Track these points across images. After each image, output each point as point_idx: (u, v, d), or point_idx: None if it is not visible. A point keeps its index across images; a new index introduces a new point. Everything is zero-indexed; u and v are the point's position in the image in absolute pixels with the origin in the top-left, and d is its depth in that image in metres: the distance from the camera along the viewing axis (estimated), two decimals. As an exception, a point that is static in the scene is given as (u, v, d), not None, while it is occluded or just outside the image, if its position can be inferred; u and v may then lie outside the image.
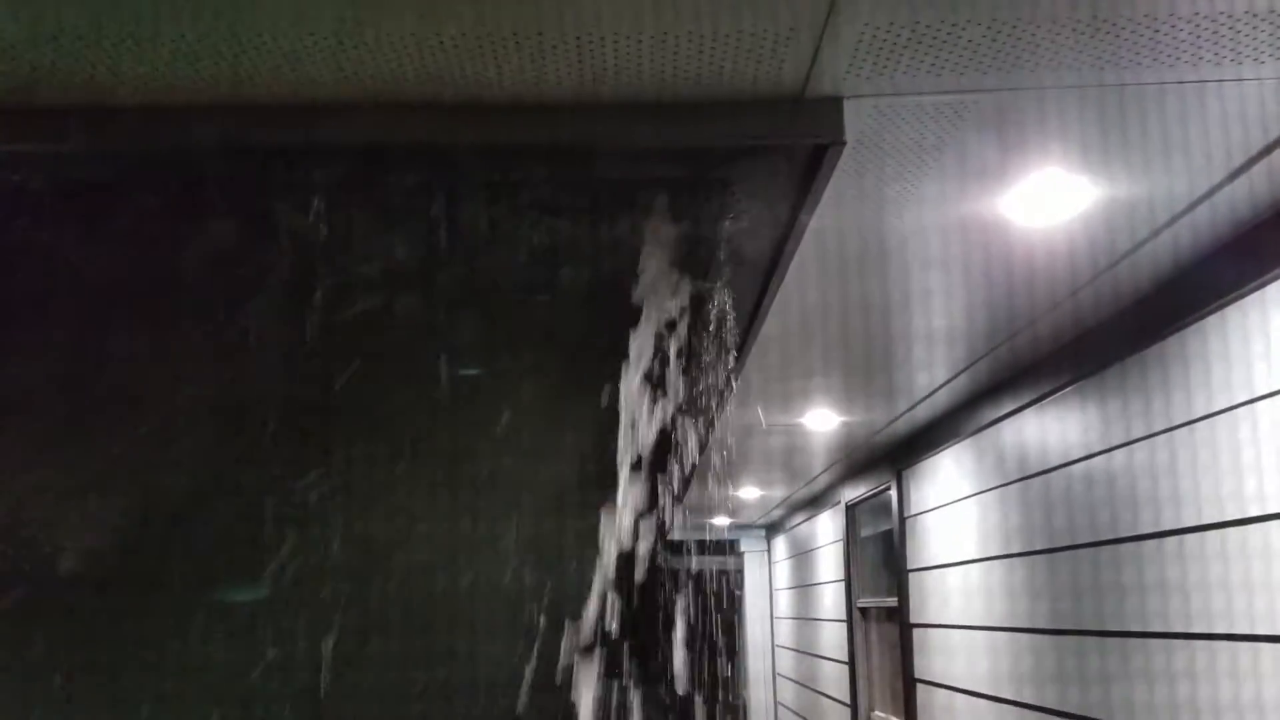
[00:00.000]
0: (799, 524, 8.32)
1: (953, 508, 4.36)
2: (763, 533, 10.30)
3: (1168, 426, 2.63)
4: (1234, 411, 2.36)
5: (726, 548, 10.65)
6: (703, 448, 5.13)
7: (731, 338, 3.21)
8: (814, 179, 1.99)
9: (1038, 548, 3.43)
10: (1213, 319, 2.44)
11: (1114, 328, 2.89)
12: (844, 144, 1.82)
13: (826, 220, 2.24)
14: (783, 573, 9.43)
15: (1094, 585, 3.02)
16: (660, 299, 2.33)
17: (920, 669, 4.86)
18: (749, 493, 7.48)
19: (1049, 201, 2.18)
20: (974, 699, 4.08)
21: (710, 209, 2.04)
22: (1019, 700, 3.61)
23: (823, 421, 4.60)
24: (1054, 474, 3.31)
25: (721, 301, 2.83)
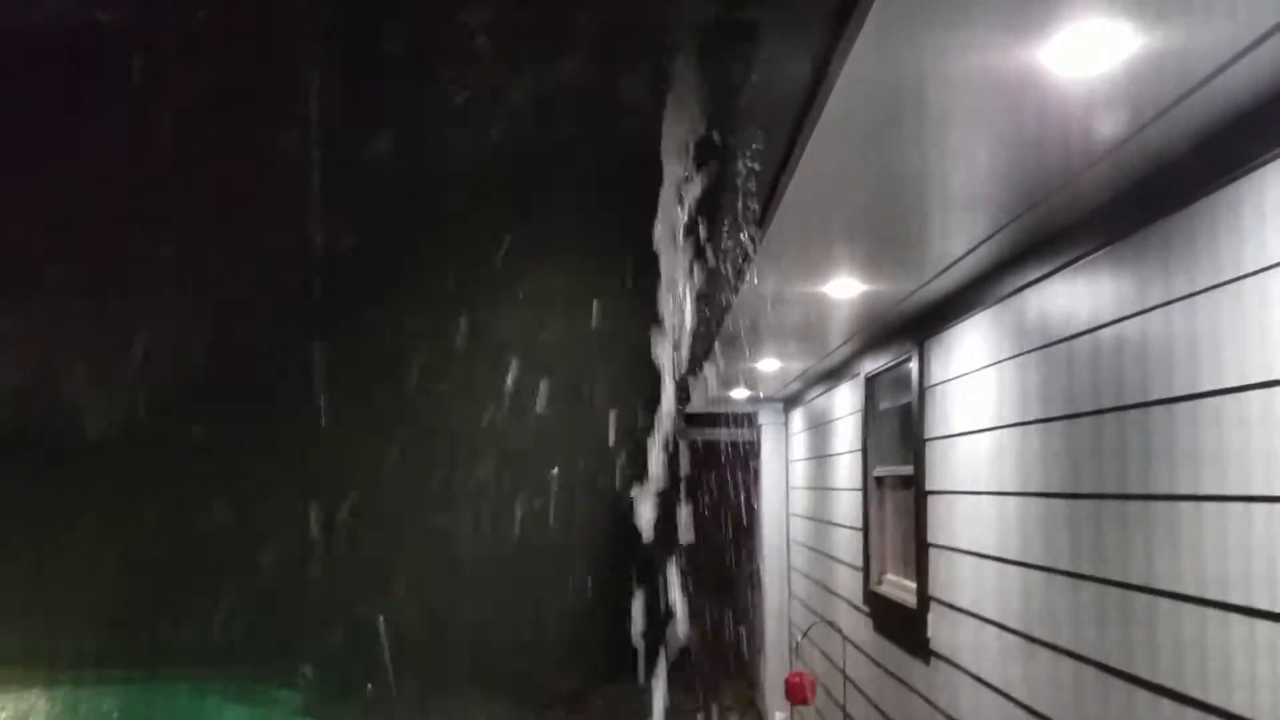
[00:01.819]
0: (817, 397, 8.38)
1: (974, 376, 4.36)
2: (780, 406, 10.38)
3: (1199, 289, 2.60)
4: (1268, 272, 2.32)
5: (744, 420, 10.76)
6: (726, 309, 5.13)
7: (756, 194, 3.16)
8: (846, 23, 1.92)
9: (1061, 413, 3.44)
10: (1253, 177, 2.37)
11: (1151, 187, 2.82)
12: (880, -17, 1.75)
13: (857, 71, 2.17)
14: (799, 444, 9.55)
15: (1118, 449, 3.03)
16: (684, 152, 2.29)
17: (933, 534, 4.94)
18: (768, 365, 7.51)
19: (1091, 51, 2.10)
20: (985, 561, 4.16)
21: (737, 53, 1.98)
22: (1031, 562, 3.68)
23: (846, 290, 4.57)
24: (1081, 339, 3.29)
25: (748, 153, 2.77)
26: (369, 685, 12.22)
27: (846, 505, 7.13)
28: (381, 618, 12.43)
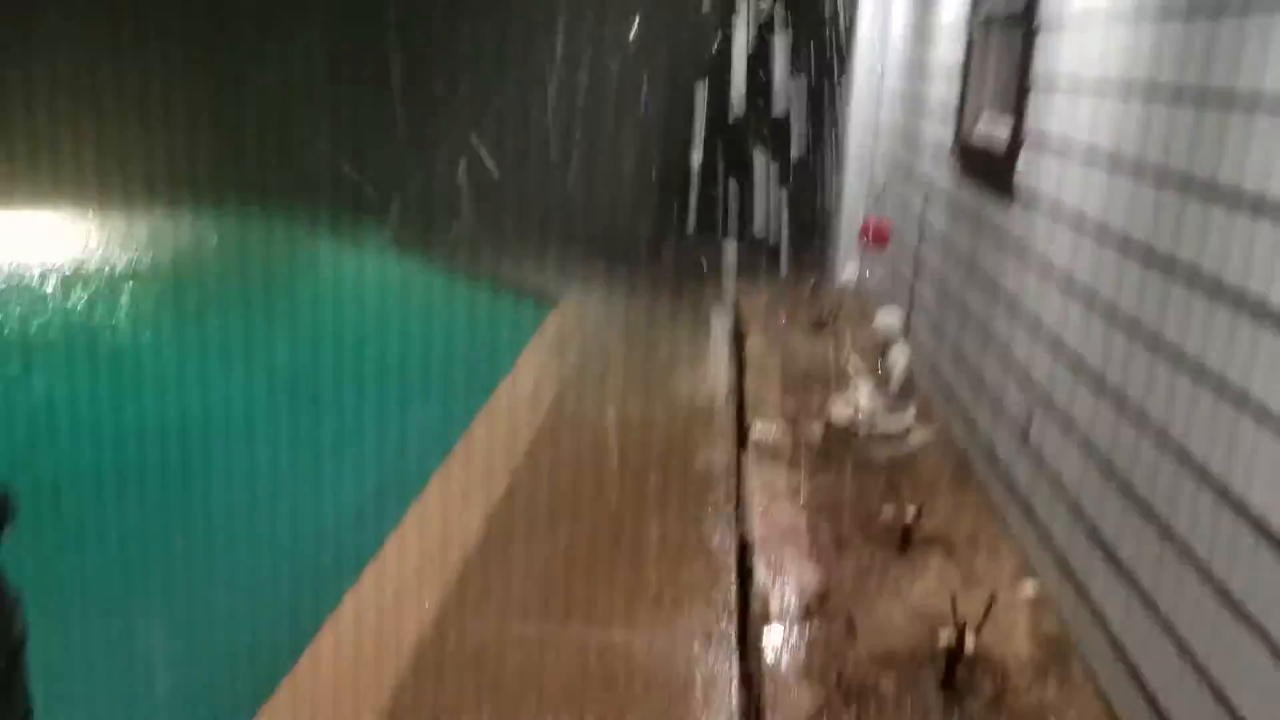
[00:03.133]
0: (929, -69, 7.64)
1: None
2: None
3: None
4: None
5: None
6: None
7: None
8: None
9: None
10: None
11: None
12: None
13: None
14: (902, -11, 8.89)
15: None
16: None
17: (1039, 71, 4.68)
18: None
19: None
20: (1097, 97, 3.95)
21: None
22: (1159, 80, 3.47)
23: None
24: None
25: None
26: (454, 224, 12.75)
27: (946, 52, 6.75)
28: (470, 162, 12.68)
